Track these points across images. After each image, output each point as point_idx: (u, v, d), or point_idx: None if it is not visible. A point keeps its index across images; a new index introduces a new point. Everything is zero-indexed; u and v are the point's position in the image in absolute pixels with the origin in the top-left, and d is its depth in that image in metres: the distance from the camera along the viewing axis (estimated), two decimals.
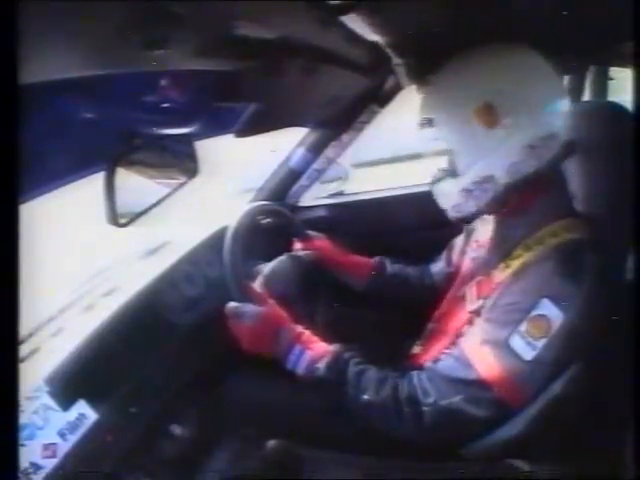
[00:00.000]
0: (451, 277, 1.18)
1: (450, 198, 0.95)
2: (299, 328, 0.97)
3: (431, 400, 0.85)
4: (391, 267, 1.33)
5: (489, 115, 0.87)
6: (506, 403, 0.83)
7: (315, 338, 0.96)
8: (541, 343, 0.81)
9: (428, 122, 0.93)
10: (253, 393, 1.10)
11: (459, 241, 1.22)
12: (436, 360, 0.93)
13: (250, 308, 0.97)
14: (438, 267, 1.30)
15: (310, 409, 1.01)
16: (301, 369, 0.93)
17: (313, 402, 0.98)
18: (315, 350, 0.93)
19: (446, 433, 0.87)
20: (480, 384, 0.83)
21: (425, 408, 0.85)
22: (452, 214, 0.97)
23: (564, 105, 0.92)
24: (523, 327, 0.81)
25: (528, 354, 0.81)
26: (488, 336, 0.85)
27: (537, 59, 0.89)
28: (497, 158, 0.88)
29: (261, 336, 0.96)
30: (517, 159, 0.87)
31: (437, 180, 0.98)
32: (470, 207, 0.93)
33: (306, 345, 0.94)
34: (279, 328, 0.96)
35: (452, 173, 0.94)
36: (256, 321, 0.96)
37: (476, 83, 0.88)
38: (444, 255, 1.29)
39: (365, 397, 0.88)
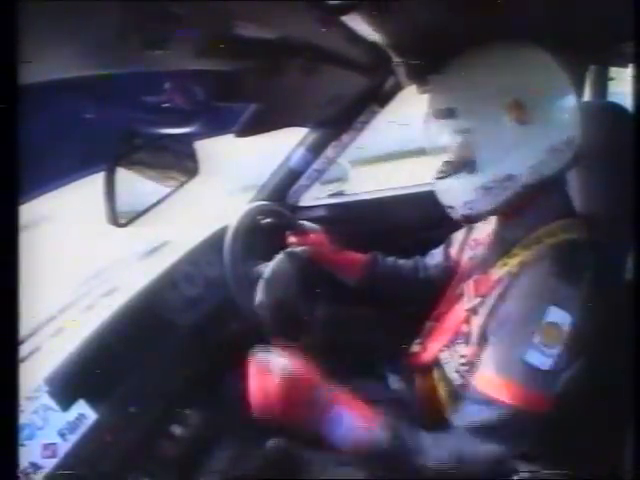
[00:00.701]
0: (448, 272, 1.18)
1: (463, 195, 0.92)
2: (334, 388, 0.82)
3: (473, 456, 0.80)
4: (383, 261, 1.32)
5: (520, 111, 0.85)
6: (537, 416, 0.81)
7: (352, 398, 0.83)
8: (557, 350, 0.80)
9: (450, 113, 0.89)
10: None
11: (459, 236, 1.21)
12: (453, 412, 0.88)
13: (280, 362, 0.81)
14: (435, 260, 1.29)
15: None
16: (348, 441, 0.79)
17: None
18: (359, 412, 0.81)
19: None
20: (509, 413, 0.79)
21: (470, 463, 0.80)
22: (461, 211, 0.94)
23: (581, 108, 0.91)
24: (536, 339, 0.79)
25: (546, 364, 0.79)
26: (502, 361, 0.82)
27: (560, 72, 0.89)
28: (522, 157, 0.87)
29: (292, 398, 0.78)
30: (540, 160, 0.87)
31: (444, 175, 0.95)
32: (485, 205, 0.91)
33: (347, 408, 0.80)
34: (313, 388, 0.80)
35: (466, 168, 0.90)
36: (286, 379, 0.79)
37: (505, 77, 0.87)
38: (442, 249, 1.28)
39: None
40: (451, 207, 0.95)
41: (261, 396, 0.79)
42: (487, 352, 0.85)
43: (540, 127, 0.86)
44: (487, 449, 0.79)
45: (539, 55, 0.89)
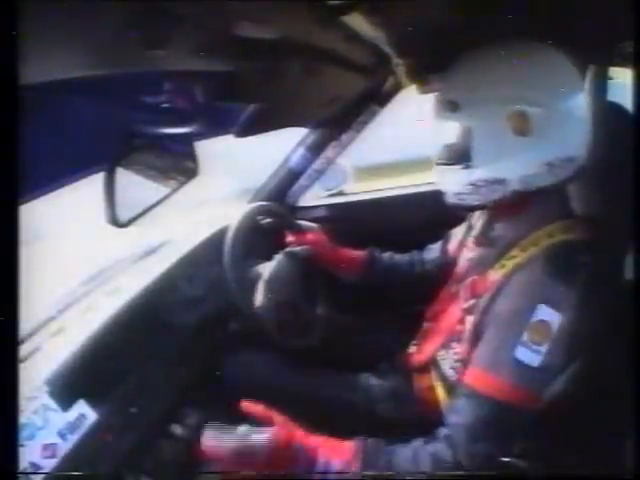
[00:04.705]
0: (445, 268, 1.18)
1: (454, 186, 0.94)
2: (312, 439, 0.86)
3: (465, 453, 0.81)
4: (381, 257, 1.33)
5: (522, 122, 0.85)
6: (526, 412, 0.82)
7: (330, 442, 0.86)
8: (545, 348, 0.80)
9: (453, 106, 0.89)
10: (253, 394, 1.10)
11: (458, 232, 1.21)
12: (446, 408, 0.90)
13: (259, 439, 0.83)
14: (432, 255, 1.30)
15: (311, 410, 1.00)
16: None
17: (313, 402, 0.98)
18: (339, 456, 0.84)
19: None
20: (498, 409, 0.81)
21: (463, 459, 0.81)
22: (451, 200, 0.95)
23: (588, 129, 0.90)
24: (525, 337, 0.81)
25: (535, 361, 0.80)
26: (492, 357, 0.84)
27: (574, 72, 0.89)
28: (515, 165, 0.87)
29: (277, 463, 0.82)
30: (534, 172, 0.87)
31: (442, 162, 0.95)
32: (473, 200, 0.92)
33: (328, 456, 0.84)
34: (295, 449, 0.83)
35: (462, 161, 0.90)
36: (269, 451, 0.81)
37: (514, 83, 0.86)
38: (440, 244, 1.29)
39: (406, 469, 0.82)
40: (443, 193, 0.97)
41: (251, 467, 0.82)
42: (478, 349, 0.87)
43: (540, 141, 0.85)
44: (476, 447, 0.81)
45: (557, 62, 0.88)
